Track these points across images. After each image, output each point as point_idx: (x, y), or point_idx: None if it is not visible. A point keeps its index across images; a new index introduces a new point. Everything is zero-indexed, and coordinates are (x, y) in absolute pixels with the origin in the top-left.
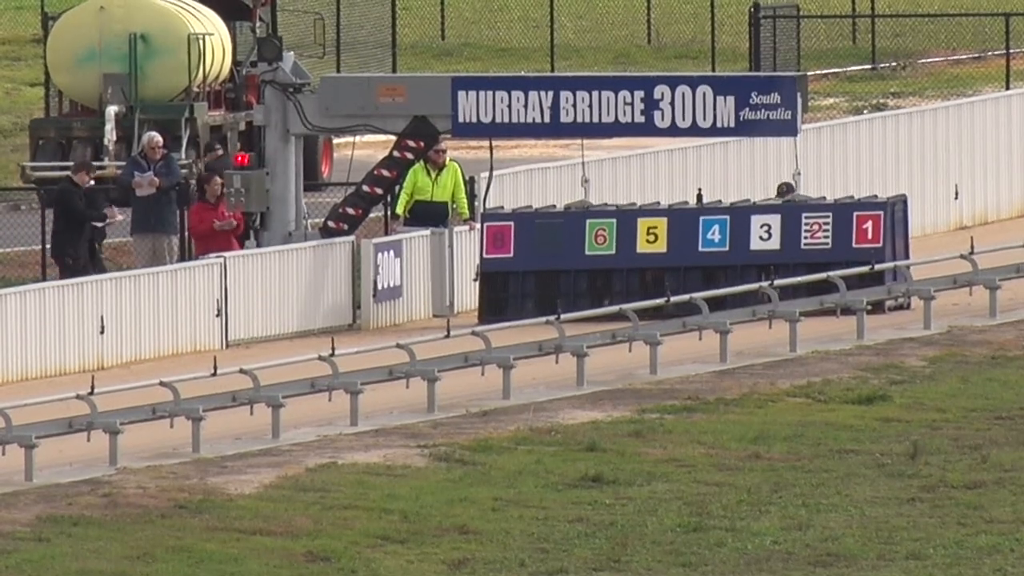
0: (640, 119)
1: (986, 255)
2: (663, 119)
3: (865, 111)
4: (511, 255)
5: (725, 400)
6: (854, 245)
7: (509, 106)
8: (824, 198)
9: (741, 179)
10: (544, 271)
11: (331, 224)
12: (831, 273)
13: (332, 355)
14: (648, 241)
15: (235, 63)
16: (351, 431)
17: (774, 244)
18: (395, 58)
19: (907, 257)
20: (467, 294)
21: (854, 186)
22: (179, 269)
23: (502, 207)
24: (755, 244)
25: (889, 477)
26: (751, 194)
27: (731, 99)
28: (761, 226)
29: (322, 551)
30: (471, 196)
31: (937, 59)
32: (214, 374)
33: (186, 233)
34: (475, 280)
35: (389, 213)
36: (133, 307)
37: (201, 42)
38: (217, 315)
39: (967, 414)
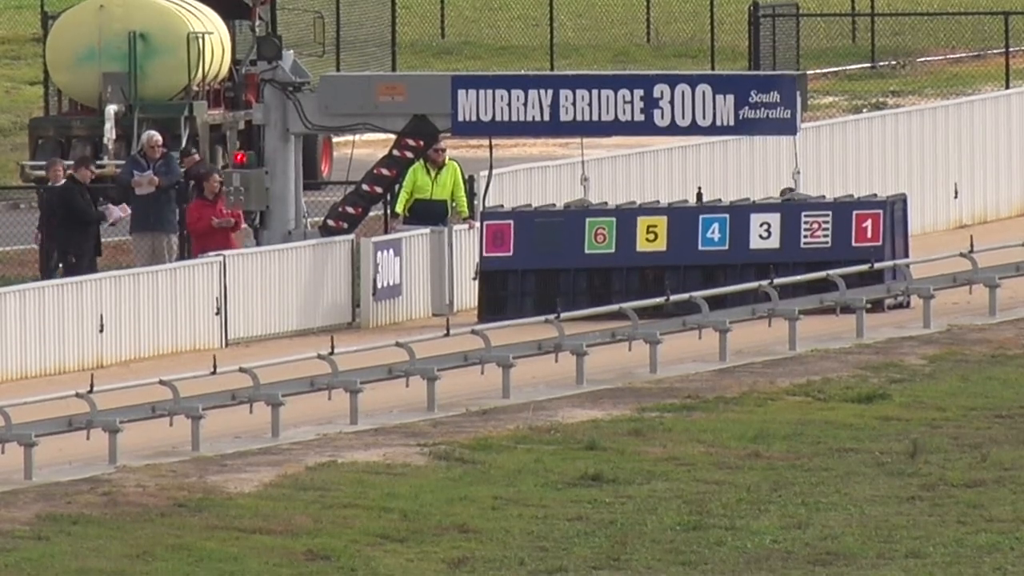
0: (640, 118)
1: (986, 253)
2: (663, 118)
3: (864, 110)
4: (511, 254)
5: (725, 399)
6: (854, 244)
7: (509, 105)
8: (824, 197)
9: (741, 178)
10: (544, 270)
11: (331, 223)
12: (831, 272)
13: (332, 354)
14: (648, 240)
15: (235, 62)
16: (351, 430)
17: (774, 243)
18: (395, 57)
19: (907, 256)
20: (467, 293)
21: (853, 185)
22: (179, 268)
23: (502, 206)
24: (755, 243)
25: (889, 476)
26: (751, 193)
27: (730, 98)
28: (761, 225)
29: (322, 550)
30: (471, 195)
31: (936, 58)
32: (214, 373)
33: (185, 232)
34: (474, 279)
35: (389, 212)
36: (133, 306)
37: (200, 41)
38: (217, 314)
39: (967, 413)
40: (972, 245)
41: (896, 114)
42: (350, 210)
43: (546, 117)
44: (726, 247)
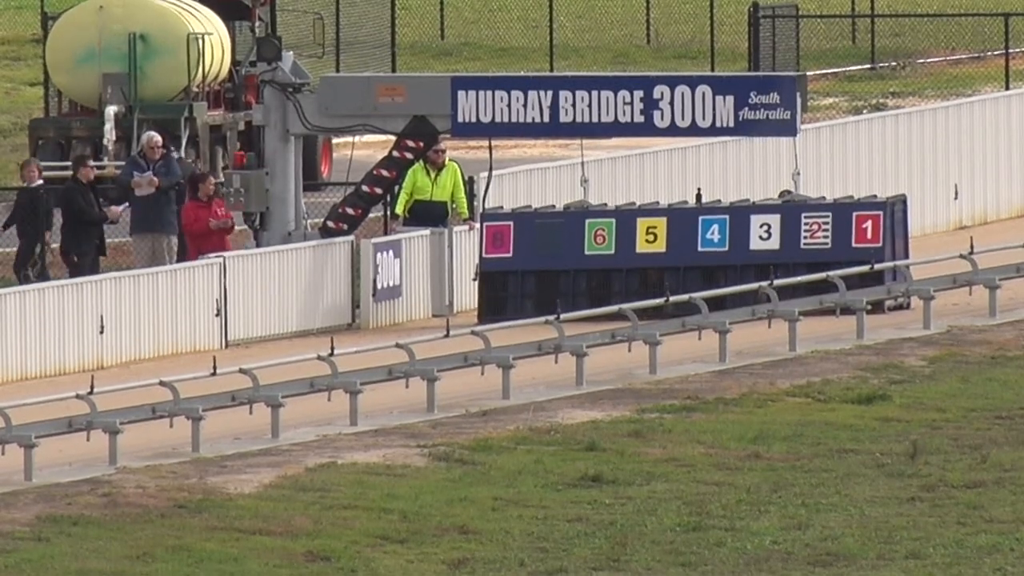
0: (639, 119)
1: (986, 255)
2: (662, 119)
3: (864, 111)
4: (510, 255)
5: (724, 400)
6: (854, 245)
7: (508, 106)
8: (824, 198)
9: (740, 179)
10: (543, 271)
11: (331, 224)
12: (831, 273)
13: (331, 355)
14: (647, 241)
15: (234, 63)
16: (351, 431)
17: (773, 244)
18: (394, 58)
19: (907, 257)
20: (467, 294)
21: (853, 186)
22: (179, 269)
23: (501, 207)
24: (755, 244)
25: (889, 477)
26: (750, 194)
27: (730, 99)
28: (760, 226)
29: (322, 551)
30: (470, 196)
31: (936, 59)
32: (214, 374)
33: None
34: (474, 280)
35: (388, 213)
36: (133, 307)
37: (200, 42)
38: (217, 315)
39: (967, 414)
40: (972, 246)
41: (896, 115)
42: (350, 211)
43: (546, 118)
44: (726, 248)
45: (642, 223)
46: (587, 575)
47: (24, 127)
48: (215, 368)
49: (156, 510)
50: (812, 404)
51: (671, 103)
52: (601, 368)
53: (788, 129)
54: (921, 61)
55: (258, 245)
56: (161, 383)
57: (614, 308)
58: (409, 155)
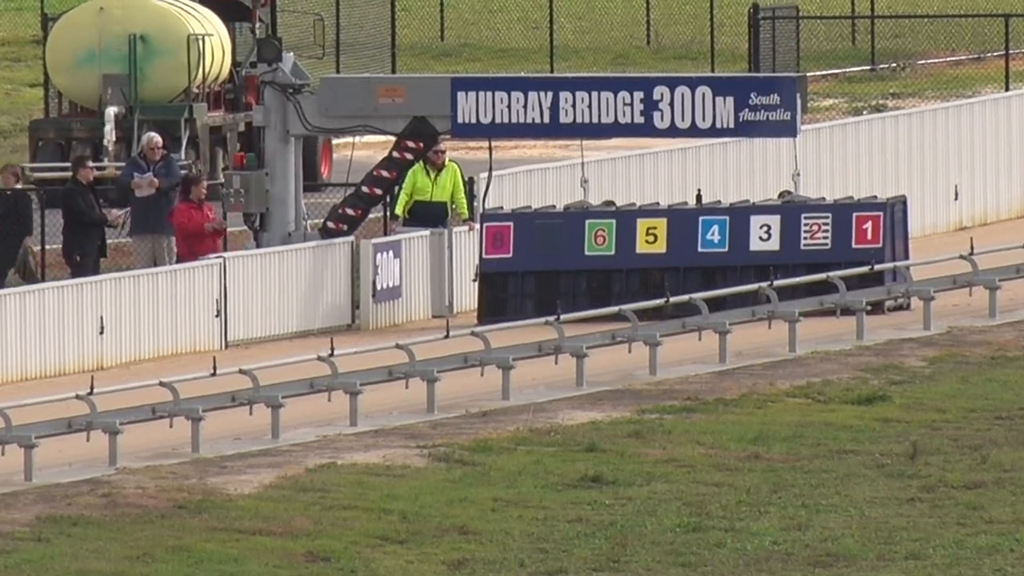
0: (639, 120)
1: (986, 256)
2: (662, 120)
3: (864, 112)
4: (510, 255)
5: (724, 400)
6: (854, 246)
7: (508, 107)
8: (824, 199)
9: (740, 180)
10: (543, 271)
11: (330, 225)
12: (831, 274)
13: (331, 355)
14: (647, 242)
15: (235, 64)
16: (351, 431)
17: (773, 245)
18: (394, 59)
19: (907, 258)
20: (466, 294)
21: (854, 187)
22: (179, 270)
23: (501, 207)
24: (754, 244)
25: (889, 477)
26: (751, 195)
27: (730, 100)
28: (760, 226)
29: (322, 551)
30: (470, 196)
31: (936, 60)
32: (213, 374)
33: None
34: (474, 280)
35: (388, 214)
36: (133, 307)
37: (200, 43)
38: (216, 315)
39: (967, 414)
40: (972, 247)
41: (896, 116)
42: (350, 212)
43: (546, 119)
44: (726, 249)
45: (642, 224)
46: (587, 575)
47: (24, 128)
48: (215, 368)
49: (156, 510)
50: (812, 405)
51: (671, 104)
52: (601, 369)
53: (788, 130)
54: (921, 62)
55: (258, 246)
56: (161, 383)
57: (614, 309)
58: (409, 156)
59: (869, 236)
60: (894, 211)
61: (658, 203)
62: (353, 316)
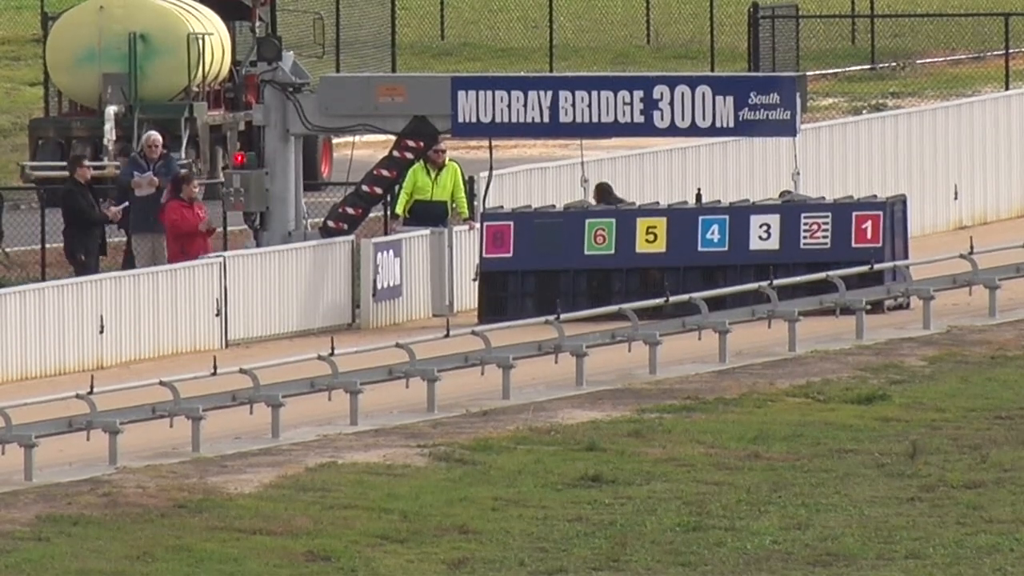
0: (639, 119)
1: (985, 255)
2: (662, 119)
3: (864, 111)
4: (511, 255)
5: (724, 400)
6: (853, 245)
7: (509, 106)
8: (823, 198)
9: (740, 179)
10: (544, 271)
11: (331, 224)
12: (830, 273)
13: (332, 355)
14: (647, 241)
15: (235, 63)
16: (351, 431)
17: (773, 244)
18: (395, 58)
19: (906, 257)
20: (467, 294)
21: (853, 186)
22: (179, 269)
23: (501, 207)
24: (754, 244)
25: (889, 477)
26: (750, 194)
27: (730, 99)
28: (760, 226)
29: (322, 551)
30: (471, 196)
31: (936, 59)
32: (214, 374)
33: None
34: (475, 280)
35: (389, 213)
36: (133, 307)
37: (201, 42)
38: (217, 315)
39: (967, 414)
40: (972, 246)
41: (896, 115)
42: (350, 211)
43: (546, 118)
44: (726, 248)
45: (642, 223)
46: (587, 575)
47: (24, 127)
48: (215, 368)
49: (156, 510)
50: (812, 404)
51: (671, 103)
52: (601, 368)
53: (788, 129)
54: (921, 61)
55: (258, 245)
56: (161, 383)
57: (614, 308)
58: (409, 155)
59: (869, 235)
60: (894, 210)
61: (658, 202)
62: (353, 315)
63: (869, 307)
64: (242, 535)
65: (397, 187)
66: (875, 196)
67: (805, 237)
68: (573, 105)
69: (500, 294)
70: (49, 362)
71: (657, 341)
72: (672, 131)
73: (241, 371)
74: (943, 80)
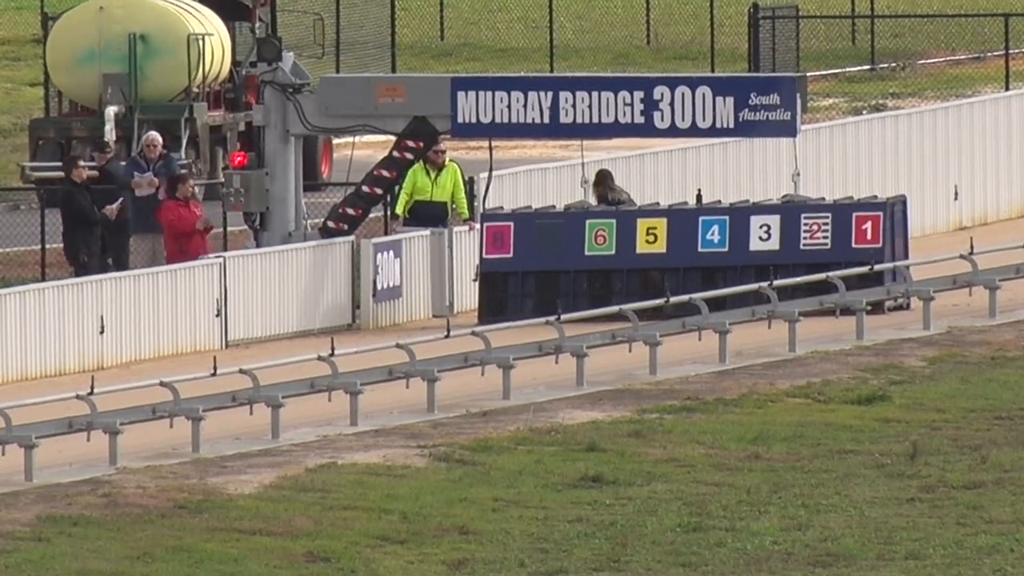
0: (639, 120)
1: (986, 255)
2: (662, 120)
3: (864, 112)
4: (511, 255)
5: (724, 400)
6: (853, 245)
7: (509, 106)
8: (823, 199)
9: (740, 180)
10: (544, 271)
11: (331, 224)
12: (831, 273)
13: (332, 355)
14: (647, 241)
15: (235, 63)
16: (351, 431)
17: (773, 244)
18: (394, 58)
19: (907, 257)
20: (467, 294)
21: (853, 186)
22: (179, 269)
23: (502, 207)
24: (754, 244)
25: (889, 477)
26: (751, 195)
27: (730, 100)
28: (760, 226)
29: (322, 551)
30: (471, 196)
31: (936, 60)
32: (214, 374)
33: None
34: (475, 280)
35: (389, 213)
36: (133, 307)
37: (201, 42)
38: (217, 315)
39: (967, 414)
40: (972, 247)
41: (896, 116)
42: (350, 211)
43: (546, 119)
44: (726, 249)
45: (642, 224)
46: (587, 575)
47: (24, 127)
48: (215, 368)
49: (156, 510)
50: (812, 405)
51: (671, 104)
52: (601, 369)
53: (788, 130)
54: (921, 62)
55: (258, 245)
56: (161, 383)
57: (614, 309)
58: (409, 155)
59: (869, 236)
60: (894, 211)
61: (658, 203)
62: (353, 316)
63: (869, 308)
64: (242, 536)
65: (397, 188)
66: (875, 197)
67: (805, 238)
68: (573, 106)
69: (500, 295)
70: (49, 362)
71: (657, 342)
72: (672, 132)
73: (241, 371)
74: (943, 80)
